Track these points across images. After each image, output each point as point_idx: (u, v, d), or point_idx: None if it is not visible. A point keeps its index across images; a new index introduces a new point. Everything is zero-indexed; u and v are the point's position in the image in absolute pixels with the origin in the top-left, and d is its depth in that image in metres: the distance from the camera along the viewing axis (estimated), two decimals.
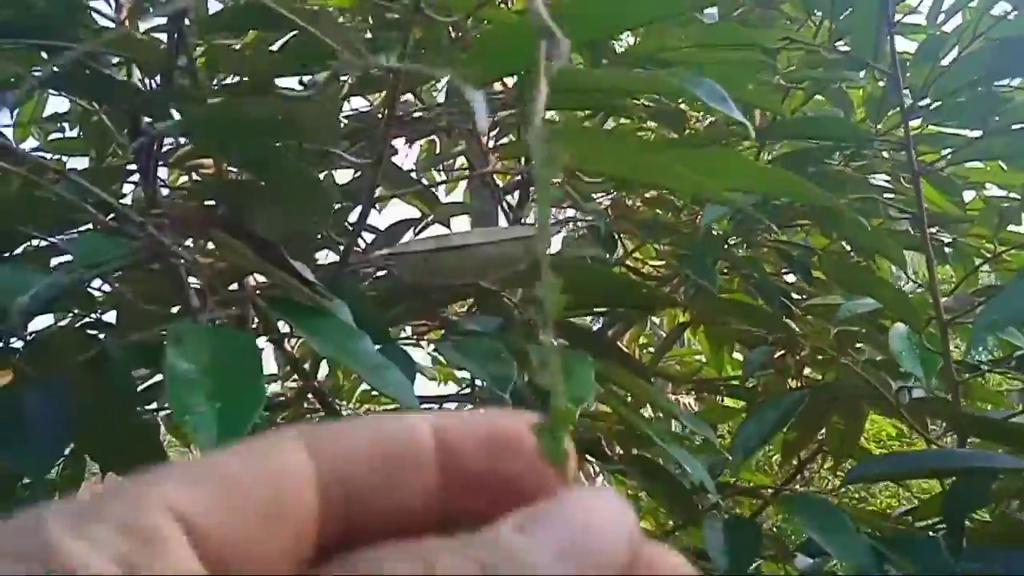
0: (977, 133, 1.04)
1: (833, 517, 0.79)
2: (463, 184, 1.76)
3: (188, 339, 0.57)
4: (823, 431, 1.19)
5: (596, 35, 0.67)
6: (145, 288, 0.91)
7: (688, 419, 0.83)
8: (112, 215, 0.73)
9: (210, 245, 0.89)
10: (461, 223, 1.52)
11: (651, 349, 1.82)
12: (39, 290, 0.57)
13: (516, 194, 1.44)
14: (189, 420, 0.51)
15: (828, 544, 0.76)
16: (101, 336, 0.86)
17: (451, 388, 2.00)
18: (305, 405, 1.89)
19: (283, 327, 1.15)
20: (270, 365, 1.64)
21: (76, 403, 0.64)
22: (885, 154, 1.14)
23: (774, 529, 1.64)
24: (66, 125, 1.24)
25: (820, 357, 1.21)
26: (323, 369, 1.60)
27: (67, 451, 1.20)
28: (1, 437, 0.63)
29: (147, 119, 0.78)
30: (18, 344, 0.83)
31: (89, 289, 0.92)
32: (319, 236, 0.98)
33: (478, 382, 1.42)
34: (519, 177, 1.48)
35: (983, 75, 0.96)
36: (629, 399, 0.95)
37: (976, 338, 0.91)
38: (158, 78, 0.79)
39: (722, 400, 1.72)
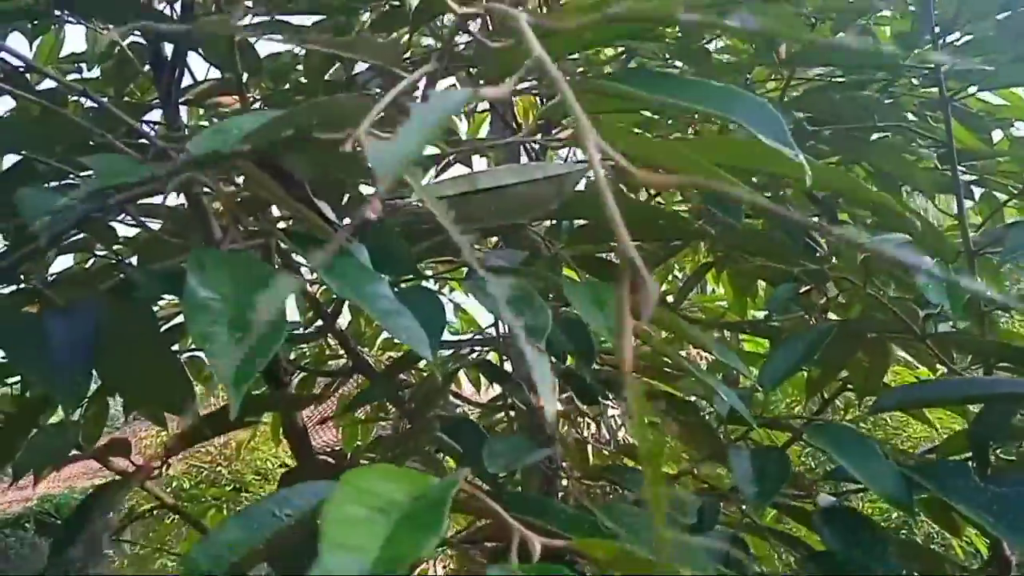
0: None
1: (863, 445, 0.79)
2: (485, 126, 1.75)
3: (210, 266, 0.56)
4: (845, 372, 1.19)
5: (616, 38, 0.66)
6: (169, 224, 0.91)
7: (718, 350, 0.82)
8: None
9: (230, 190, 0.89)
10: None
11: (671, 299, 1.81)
12: (61, 205, 0.57)
13: (539, 136, 1.43)
14: (208, 347, 0.51)
15: (858, 471, 0.76)
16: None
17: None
18: (327, 352, 1.91)
19: (306, 273, 1.15)
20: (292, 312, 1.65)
21: (99, 328, 0.64)
22: (915, 79, 1.12)
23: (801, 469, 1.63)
24: (83, 65, 1.23)
25: (843, 301, 1.20)
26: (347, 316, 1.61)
27: (90, 392, 1.22)
28: (26, 361, 0.63)
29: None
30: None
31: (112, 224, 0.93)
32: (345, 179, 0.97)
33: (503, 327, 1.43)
34: (541, 121, 1.47)
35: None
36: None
37: (1004, 261, 0.90)
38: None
39: (742, 346, 1.71)
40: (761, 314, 1.59)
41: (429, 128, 0.33)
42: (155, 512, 2.96)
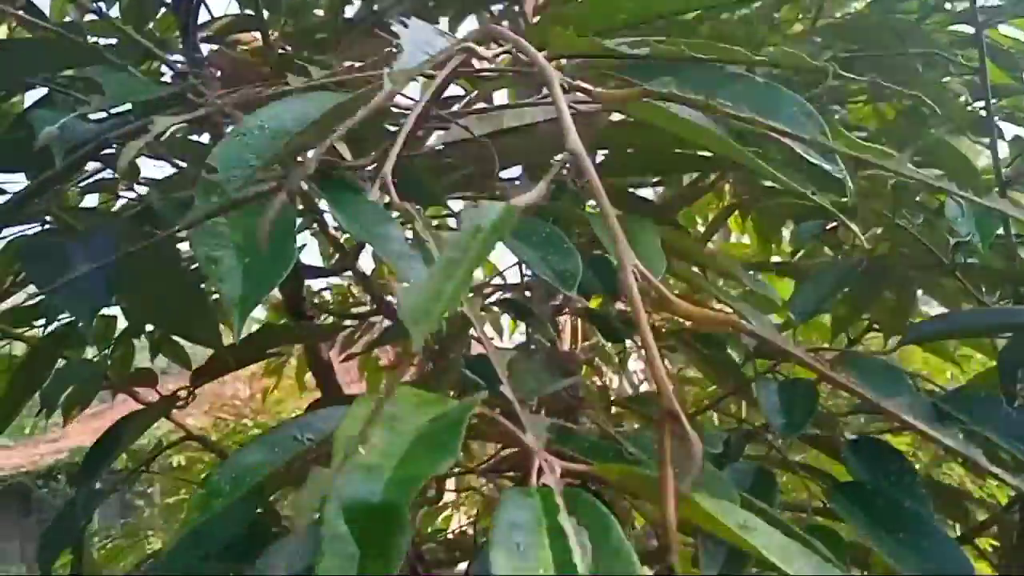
0: None
1: (892, 376, 0.78)
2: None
3: (220, 193, 0.56)
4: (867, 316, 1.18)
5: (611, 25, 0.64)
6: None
7: (749, 280, 0.81)
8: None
9: None
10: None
11: None
12: (67, 121, 0.57)
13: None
14: (215, 270, 0.50)
15: (887, 402, 0.75)
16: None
17: None
18: (351, 300, 1.90)
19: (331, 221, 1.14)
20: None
21: (121, 257, 0.64)
22: (947, 4, 1.09)
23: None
24: (102, 5, 1.22)
25: (869, 246, 1.18)
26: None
27: (116, 335, 1.23)
28: (48, 283, 0.63)
29: None
30: None
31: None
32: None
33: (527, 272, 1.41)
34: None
35: None
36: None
37: None
38: None
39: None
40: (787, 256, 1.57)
41: (466, 267, 0.30)
42: (183, 462, 3.01)
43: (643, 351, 1.39)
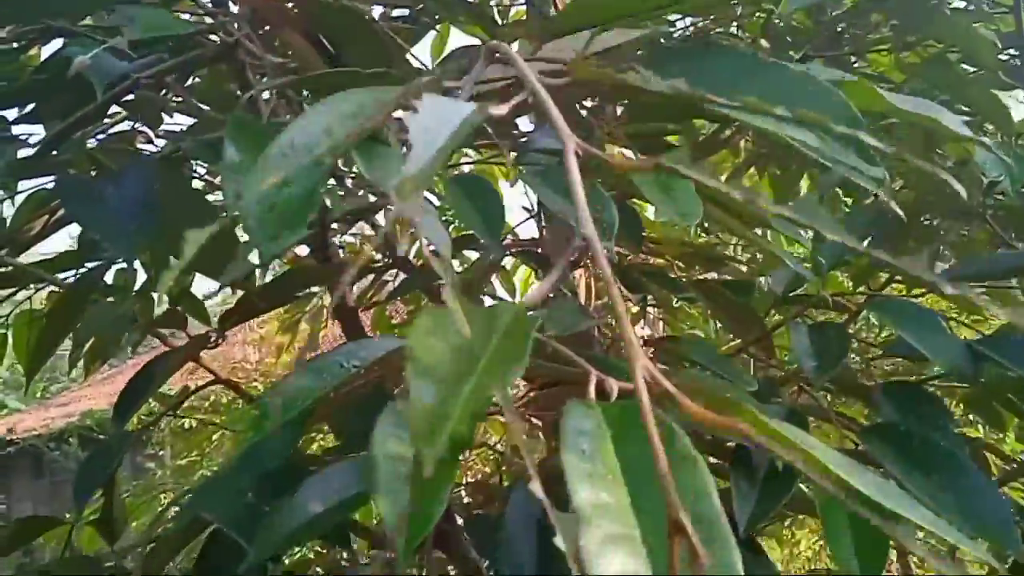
0: None
1: (926, 318, 0.77)
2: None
3: (249, 133, 0.55)
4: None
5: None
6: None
7: (779, 223, 0.80)
8: None
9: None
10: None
11: None
12: (99, 52, 0.57)
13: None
14: (241, 207, 0.50)
15: (921, 344, 0.74)
16: None
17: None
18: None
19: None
20: None
21: (152, 190, 0.64)
22: None
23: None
24: None
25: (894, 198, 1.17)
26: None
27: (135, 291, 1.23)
28: (87, 218, 0.63)
29: None
30: None
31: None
32: None
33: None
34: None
35: None
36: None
37: None
38: None
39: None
40: None
41: (477, 382, 0.29)
42: (195, 425, 3.02)
43: (655, 312, 1.39)
